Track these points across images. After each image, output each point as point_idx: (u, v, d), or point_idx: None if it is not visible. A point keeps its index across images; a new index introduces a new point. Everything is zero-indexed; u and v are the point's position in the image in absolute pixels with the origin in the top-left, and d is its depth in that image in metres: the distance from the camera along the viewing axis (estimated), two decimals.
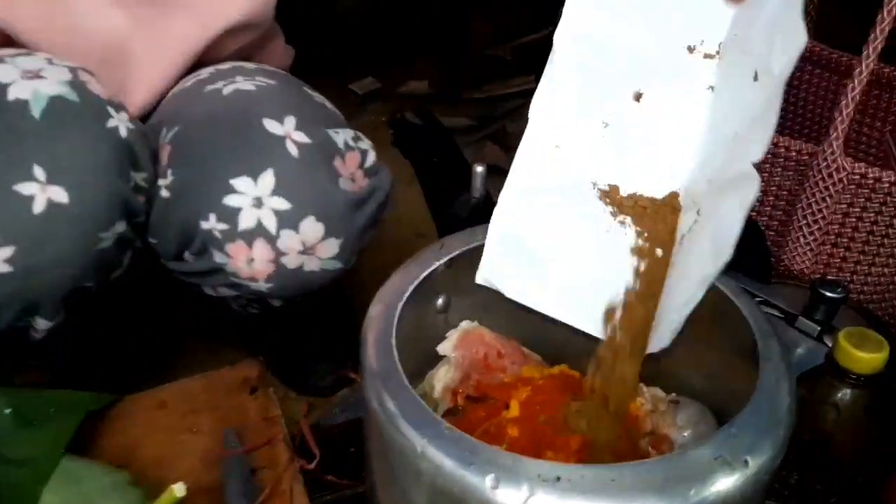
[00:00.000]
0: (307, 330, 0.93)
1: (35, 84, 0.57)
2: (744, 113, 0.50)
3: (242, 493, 0.55)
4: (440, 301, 0.56)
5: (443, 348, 0.55)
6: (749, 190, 0.46)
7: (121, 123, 0.61)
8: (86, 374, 0.74)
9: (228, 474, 0.56)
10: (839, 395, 0.67)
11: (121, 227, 0.62)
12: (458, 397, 0.54)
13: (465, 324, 0.56)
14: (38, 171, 0.56)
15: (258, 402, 0.64)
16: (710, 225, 0.49)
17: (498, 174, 1.45)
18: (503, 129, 1.47)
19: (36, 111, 0.56)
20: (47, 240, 0.56)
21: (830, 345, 0.70)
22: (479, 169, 0.68)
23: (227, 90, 0.68)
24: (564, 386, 0.52)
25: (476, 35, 1.77)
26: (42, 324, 0.62)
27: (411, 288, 0.50)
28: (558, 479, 0.36)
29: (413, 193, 1.25)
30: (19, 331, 0.63)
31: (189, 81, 0.74)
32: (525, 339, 0.60)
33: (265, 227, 0.64)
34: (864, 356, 0.65)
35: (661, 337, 0.49)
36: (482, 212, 0.70)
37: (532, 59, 1.75)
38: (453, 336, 0.55)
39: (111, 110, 0.61)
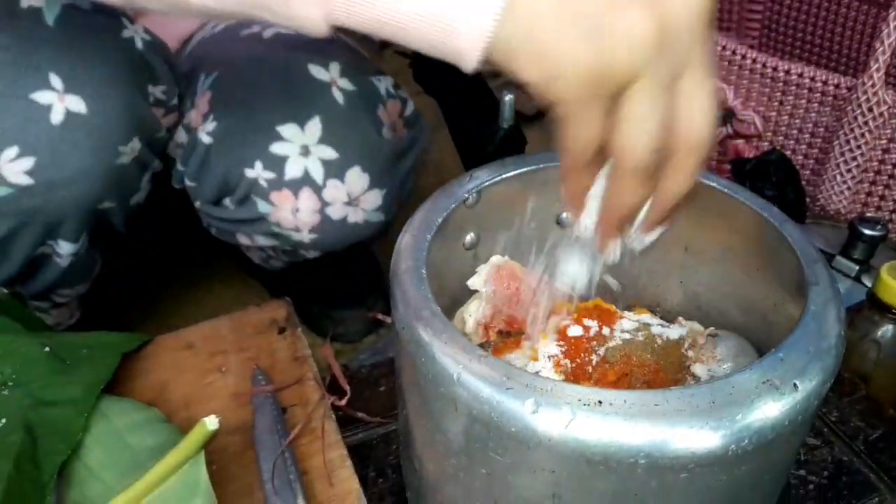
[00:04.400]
0: (331, 278, 0.92)
1: None
2: None
3: (274, 431, 0.54)
4: (469, 237, 0.55)
5: (473, 282, 0.54)
6: None
7: (136, 34, 0.59)
8: (111, 317, 0.73)
9: (259, 412, 0.56)
10: (880, 331, 0.66)
11: (139, 142, 0.60)
12: (490, 332, 0.53)
13: (495, 258, 0.55)
14: (55, 80, 0.54)
15: (287, 341, 0.64)
16: None
17: (521, 119, 1.42)
18: None
19: (49, 19, 0.54)
20: (67, 151, 0.55)
21: (869, 285, 0.68)
22: (508, 97, 0.66)
23: (266, 33, 0.66)
24: (599, 319, 0.50)
25: None
26: (65, 247, 0.62)
27: (440, 219, 0.48)
28: (600, 402, 0.35)
29: (442, 137, 1.21)
30: (43, 259, 0.63)
31: (218, 27, 0.72)
32: None
33: (312, 177, 0.63)
34: None
35: None
36: (511, 143, 0.67)
37: None
38: (483, 270, 0.54)
39: (126, 21, 0.59)
